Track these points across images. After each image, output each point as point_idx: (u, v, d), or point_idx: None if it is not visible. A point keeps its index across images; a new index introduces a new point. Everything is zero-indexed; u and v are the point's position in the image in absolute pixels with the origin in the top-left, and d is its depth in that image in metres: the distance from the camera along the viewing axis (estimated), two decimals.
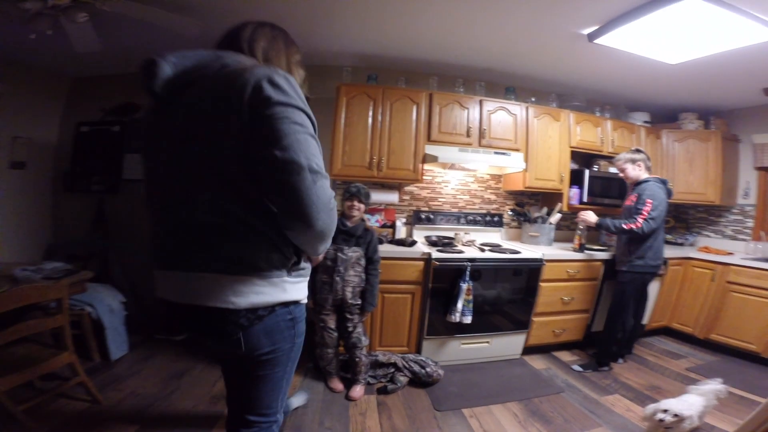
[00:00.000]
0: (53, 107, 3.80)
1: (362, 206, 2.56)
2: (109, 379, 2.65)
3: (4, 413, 1.94)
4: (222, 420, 2.23)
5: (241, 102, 0.96)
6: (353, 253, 2.49)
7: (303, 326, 1.24)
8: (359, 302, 2.57)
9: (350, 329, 2.57)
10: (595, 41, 2.69)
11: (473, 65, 3.44)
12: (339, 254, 2.46)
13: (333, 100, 3.14)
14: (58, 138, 3.83)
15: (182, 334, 3.34)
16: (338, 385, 2.66)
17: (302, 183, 0.95)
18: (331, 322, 2.57)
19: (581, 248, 3.37)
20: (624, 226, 2.89)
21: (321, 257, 1.36)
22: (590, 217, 3.17)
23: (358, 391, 2.59)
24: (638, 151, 3.07)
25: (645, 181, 2.97)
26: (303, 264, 1.18)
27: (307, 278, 1.24)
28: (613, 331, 3.08)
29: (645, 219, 2.82)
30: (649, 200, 2.85)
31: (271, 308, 1.10)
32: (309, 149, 0.97)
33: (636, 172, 3.03)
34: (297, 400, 2.44)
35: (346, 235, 2.50)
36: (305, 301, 1.24)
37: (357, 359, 2.61)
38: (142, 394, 2.49)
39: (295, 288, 1.15)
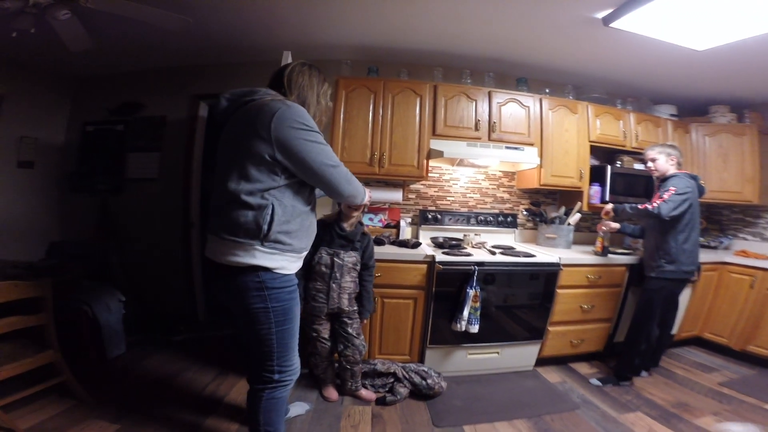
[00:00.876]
0: (60, 107, 3.82)
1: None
2: (101, 377, 2.59)
3: None
4: (202, 427, 2.13)
5: (264, 126, 1.40)
6: (350, 258, 2.32)
7: (281, 295, 1.52)
8: (355, 308, 2.42)
9: (354, 335, 2.42)
10: (611, 25, 2.45)
11: (481, 55, 3.23)
12: (335, 259, 2.28)
13: (332, 94, 3.02)
14: (65, 138, 3.84)
15: (182, 335, 3.32)
16: (333, 393, 2.50)
17: (328, 176, 1.51)
18: (325, 332, 2.40)
19: (604, 251, 3.08)
20: (639, 207, 2.65)
21: (367, 200, 1.88)
22: (607, 206, 2.91)
23: (371, 394, 2.52)
24: (674, 146, 2.80)
25: (673, 175, 2.70)
26: (277, 236, 1.46)
27: (289, 254, 1.53)
28: (636, 343, 2.78)
29: (663, 201, 2.55)
30: (672, 187, 2.59)
31: (242, 269, 1.45)
32: (324, 154, 1.48)
33: (667, 165, 2.75)
34: (296, 409, 2.30)
35: (343, 240, 2.31)
36: (284, 272, 1.53)
37: (354, 366, 2.46)
38: (131, 394, 2.42)
39: (265, 256, 1.46)
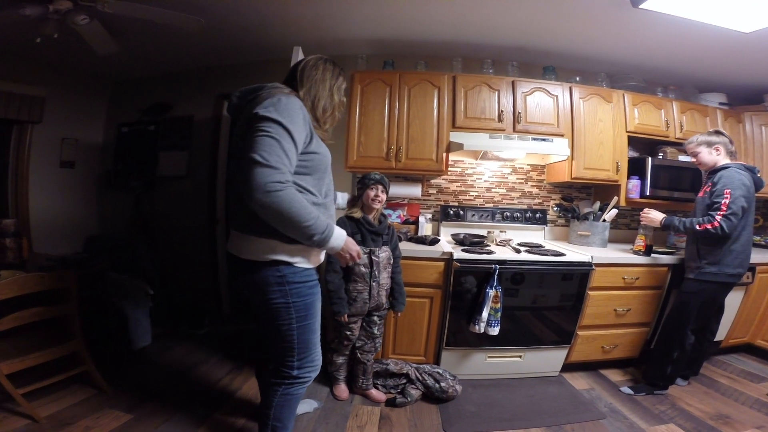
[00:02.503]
0: (97, 109, 4.05)
1: (385, 197, 2.30)
2: (124, 368, 2.69)
3: (5, 395, 1.98)
4: (210, 419, 2.15)
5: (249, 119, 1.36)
6: (383, 254, 2.26)
7: (302, 290, 1.50)
8: (387, 305, 2.39)
9: (378, 334, 2.40)
10: (641, 6, 2.25)
11: (503, 44, 3.07)
12: (373, 257, 2.22)
13: (347, 89, 2.98)
14: (103, 138, 4.06)
15: (205, 328, 3.41)
16: (344, 392, 2.46)
17: (246, 169, 1.27)
18: (357, 331, 2.36)
19: (648, 251, 2.82)
20: (697, 227, 2.33)
21: (346, 257, 1.54)
22: (655, 215, 2.63)
23: (381, 395, 2.46)
24: (718, 133, 2.49)
25: (723, 167, 2.39)
26: None
27: (309, 247, 1.46)
28: (667, 349, 2.54)
29: (724, 215, 2.24)
30: (727, 190, 2.27)
31: (262, 263, 1.44)
32: (263, 146, 1.27)
33: (712, 157, 2.45)
34: (303, 407, 2.27)
35: (374, 234, 2.25)
36: (304, 265, 1.50)
37: (368, 362, 2.43)
38: (149, 384, 2.49)
39: (286, 249, 1.43)
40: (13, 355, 2.02)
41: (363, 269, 2.21)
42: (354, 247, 1.54)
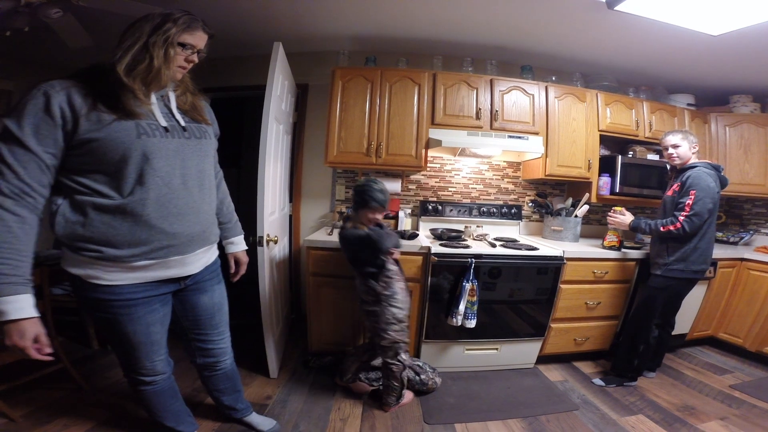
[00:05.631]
0: None
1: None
2: (100, 366, 2.64)
3: None
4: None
5: None
6: None
7: (103, 307, 1.33)
8: None
9: None
10: (616, 8, 2.32)
11: (483, 43, 3.12)
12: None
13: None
14: None
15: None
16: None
17: None
18: None
19: (621, 247, 2.94)
20: (662, 229, 2.45)
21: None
22: (622, 219, 2.73)
23: (365, 386, 2.47)
24: (691, 133, 2.59)
25: (692, 167, 2.48)
26: (73, 242, 1.23)
27: (103, 263, 1.26)
28: (634, 342, 2.64)
29: (687, 216, 2.36)
30: (692, 191, 2.37)
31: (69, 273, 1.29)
32: None
33: (689, 153, 2.52)
34: (264, 424, 2.07)
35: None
36: (98, 282, 1.28)
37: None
38: (127, 382, 2.42)
39: (74, 263, 1.26)
40: None
41: (393, 267, 2.19)
42: (28, 338, 1.13)
